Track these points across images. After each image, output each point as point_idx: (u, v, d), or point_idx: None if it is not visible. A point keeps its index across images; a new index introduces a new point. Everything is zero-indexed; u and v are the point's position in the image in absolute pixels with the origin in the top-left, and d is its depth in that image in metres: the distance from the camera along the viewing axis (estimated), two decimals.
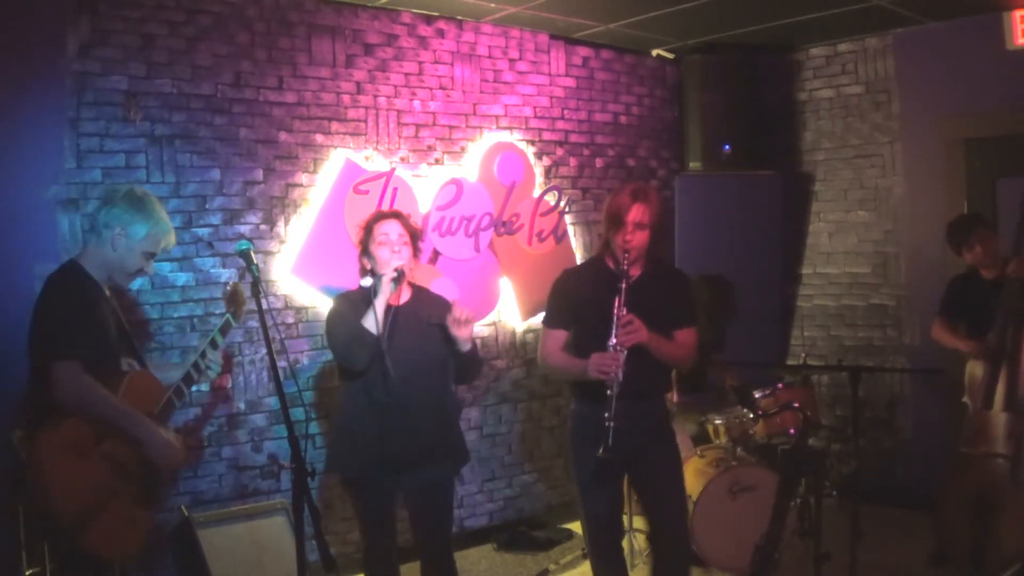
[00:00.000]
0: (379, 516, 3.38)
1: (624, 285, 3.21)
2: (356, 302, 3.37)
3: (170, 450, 2.92)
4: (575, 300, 3.42)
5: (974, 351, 4.36)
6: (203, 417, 4.20)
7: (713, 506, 4.33)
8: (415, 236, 3.44)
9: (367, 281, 3.33)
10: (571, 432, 3.50)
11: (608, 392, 3.13)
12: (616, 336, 3.15)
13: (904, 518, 5.21)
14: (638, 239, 3.29)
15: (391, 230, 3.36)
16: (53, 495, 2.66)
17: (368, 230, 3.40)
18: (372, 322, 3.22)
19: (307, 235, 4.53)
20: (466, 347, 3.38)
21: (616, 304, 3.17)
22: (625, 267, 3.24)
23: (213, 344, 3.17)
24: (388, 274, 3.27)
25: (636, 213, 3.28)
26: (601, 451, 3.10)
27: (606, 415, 3.10)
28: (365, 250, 3.40)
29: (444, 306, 3.48)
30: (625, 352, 3.15)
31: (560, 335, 3.44)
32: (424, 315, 3.41)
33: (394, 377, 3.18)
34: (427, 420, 3.33)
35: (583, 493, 3.44)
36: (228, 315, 3.22)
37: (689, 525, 4.12)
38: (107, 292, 2.99)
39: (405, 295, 3.43)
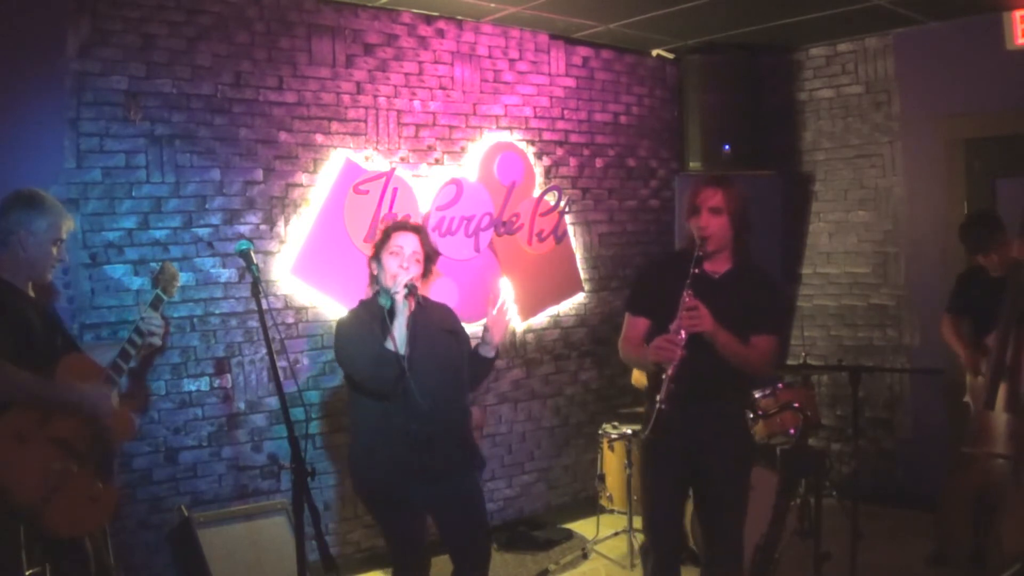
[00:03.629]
0: (407, 531, 3.29)
1: (696, 271, 3.10)
2: (367, 321, 3.22)
3: (103, 400, 2.97)
4: (657, 289, 3.28)
5: (967, 362, 4.41)
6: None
7: None
8: (430, 256, 3.30)
9: (385, 301, 3.21)
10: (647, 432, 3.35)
11: (663, 376, 3.03)
12: (679, 320, 3.06)
13: (904, 518, 5.21)
14: (714, 225, 3.19)
15: (407, 244, 3.23)
16: (5, 485, 2.74)
17: (386, 235, 3.28)
18: (392, 344, 3.10)
19: (307, 235, 4.53)
20: (491, 352, 3.31)
21: (685, 290, 3.07)
22: (700, 254, 3.14)
23: (139, 332, 3.18)
24: (400, 291, 3.13)
25: (709, 197, 3.21)
26: (648, 431, 3.03)
27: (657, 397, 3.02)
28: (376, 255, 3.28)
29: (450, 312, 3.42)
30: (684, 337, 3.04)
31: (640, 323, 3.31)
32: (434, 322, 3.30)
33: (419, 401, 3.05)
34: (450, 429, 3.25)
35: (648, 494, 3.35)
36: (157, 291, 3.24)
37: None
38: (31, 293, 3.07)
39: (411, 304, 3.31)
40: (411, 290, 3.16)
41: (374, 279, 3.32)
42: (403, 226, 3.34)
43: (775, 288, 3.39)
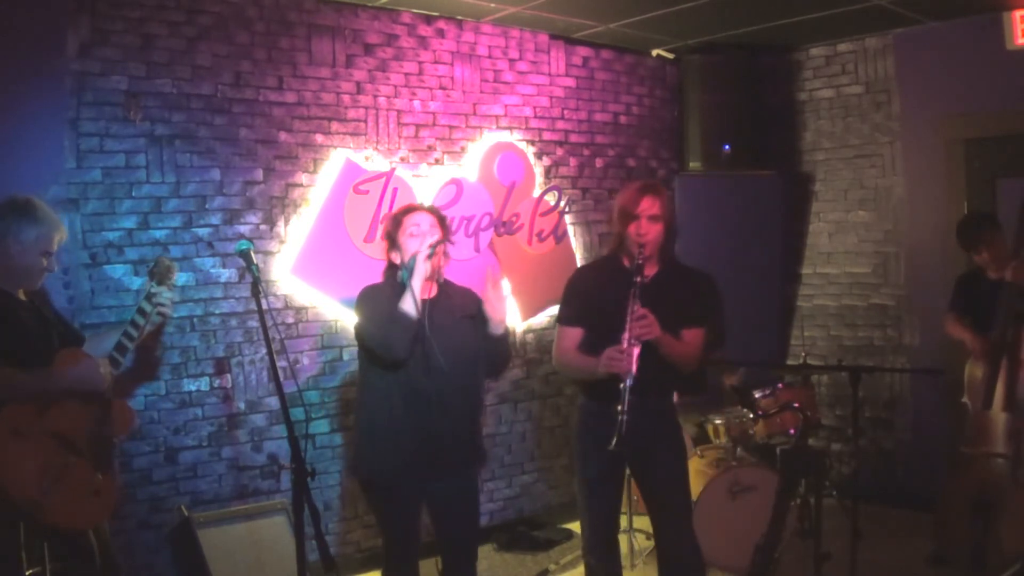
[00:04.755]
0: (406, 524, 3.28)
1: (639, 280, 3.18)
2: (386, 290, 3.22)
3: (95, 373, 2.98)
4: (590, 298, 3.38)
5: (979, 350, 4.37)
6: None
7: (713, 506, 4.33)
8: (446, 231, 3.30)
9: (406, 276, 3.17)
10: (578, 427, 3.48)
11: (621, 385, 3.08)
12: (629, 330, 3.11)
13: (904, 518, 5.22)
14: (653, 232, 3.27)
15: (423, 221, 3.23)
16: (3, 480, 2.76)
17: (397, 221, 3.27)
18: (410, 304, 3.07)
19: (307, 235, 4.53)
20: (499, 330, 3.28)
21: (631, 299, 3.14)
22: (640, 262, 3.21)
23: (141, 313, 3.18)
24: (423, 251, 3.10)
25: (648, 205, 3.28)
26: (613, 444, 3.06)
27: (619, 408, 3.05)
28: (393, 243, 3.26)
29: (472, 297, 3.39)
30: (639, 346, 3.11)
31: (575, 333, 3.38)
32: (456, 307, 3.29)
33: (441, 364, 3.04)
34: (463, 419, 3.25)
35: (585, 488, 3.43)
36: (151, 284, 3.23)
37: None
38: (22, 297, 3.08)
39: (433, 289, 3.28)
40: (434, 251, 3.13)
41: (395, 268, 3.28)
42: (413, 208, 3.34)
43: (704, 280, 3.46)
